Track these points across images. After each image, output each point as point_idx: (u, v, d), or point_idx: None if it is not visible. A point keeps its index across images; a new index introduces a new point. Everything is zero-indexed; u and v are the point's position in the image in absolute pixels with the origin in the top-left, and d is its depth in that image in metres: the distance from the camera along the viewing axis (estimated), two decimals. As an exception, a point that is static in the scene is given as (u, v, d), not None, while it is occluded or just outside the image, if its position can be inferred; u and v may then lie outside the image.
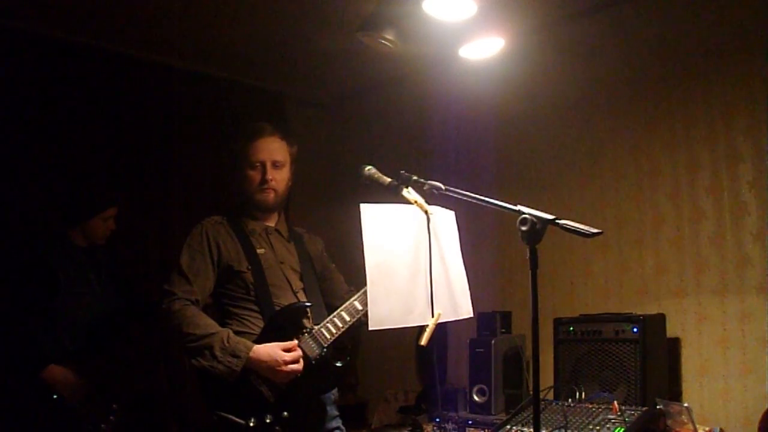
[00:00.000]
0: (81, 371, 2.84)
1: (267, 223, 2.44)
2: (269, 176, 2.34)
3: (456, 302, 1.81)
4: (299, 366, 2.16)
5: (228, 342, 2.12)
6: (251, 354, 2.12)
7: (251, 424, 2.11)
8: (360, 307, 2.23)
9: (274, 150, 2.37)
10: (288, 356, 2.14)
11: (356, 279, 1.71)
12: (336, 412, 2.42)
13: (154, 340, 3.68)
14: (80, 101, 3.66)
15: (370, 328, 1.66)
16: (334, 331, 2.26)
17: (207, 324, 2.17)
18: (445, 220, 1.85)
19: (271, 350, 2.14)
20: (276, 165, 2.36)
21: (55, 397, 2.77)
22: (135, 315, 3.26)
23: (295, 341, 2.19)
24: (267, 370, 2.14)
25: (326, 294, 2.50)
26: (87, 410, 2.85)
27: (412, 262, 1.71)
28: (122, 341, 3.15)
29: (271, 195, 2.37)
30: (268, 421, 2.13)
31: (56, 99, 3.58)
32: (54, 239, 3.02)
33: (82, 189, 3.14)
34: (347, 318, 2.26)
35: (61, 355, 2.83)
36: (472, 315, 1.87)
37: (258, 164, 2.35)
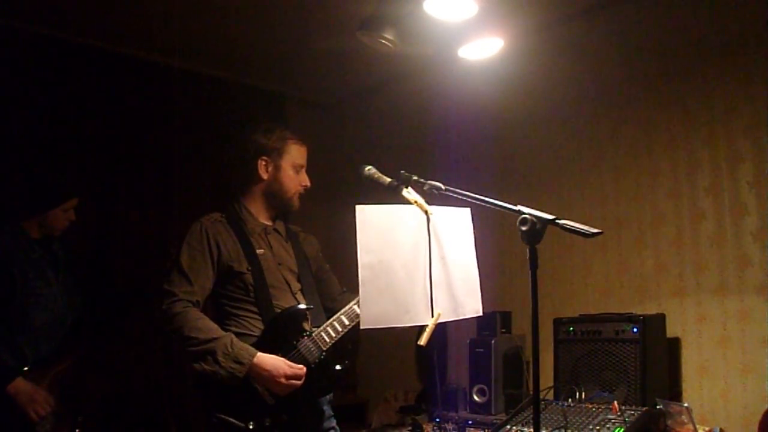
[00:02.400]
0: (43, 382, 2.63)
1: (266, 223, 2.43)
2: (308, 183, 2.45)
3: (458, 302, 1.81)
4: (299, 382, 2.16)
5: (231, 348, 2.11)
6: (254, 360, 2.12)
7: (250, 427, 2.11)
8: (359, 311, 2.23)
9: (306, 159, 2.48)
10: (290, 371, 2.14)
11: (355, 280, 1.72)
12: (331, 412, 2.43)
13: (131, 339, 3.58)
14: (81, 101, 3.67)
15: (362, 327, 1.67)
16: (333, 334, 2.26)
17: (209, 328, 2.15)
18: (453, 219, 1.85)
19: (275, 361, 2.14)
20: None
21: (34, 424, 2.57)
22: (102, 312, 3.09)
23: (304, 367, 2.19)
24: (266, 380, 2.13)
25: (320, 295, 2.50)
26: (51, 426, 2.64)
27: (409, 263, 1.72)
28: (87, 343, 2.93)
29: (299, 198, 2.46)
30: (267, 424, 2.13)
31: (56, 99, 3.58)
32: (7, 232, 2.75)
33: (43, 179, 2.93)
34: (347, 322, 2.27)
35: (21, 363, 2.61)
36: (480, 314, 1.87)
37: (300, 168, 2.43)
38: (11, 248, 2.71)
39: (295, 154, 2.41)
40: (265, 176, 2.38)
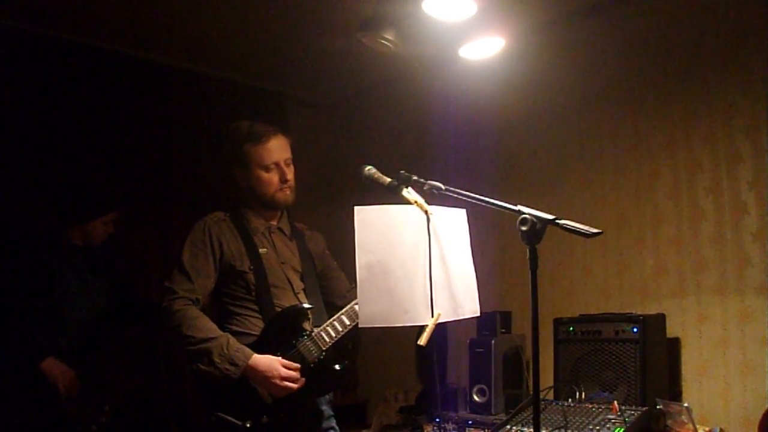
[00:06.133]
0: (75, 369, 2.85)
1: (270, 221, 2.43)
2: (288, 176, 2.34)
3: (457, 302, 1.81)
4: (295, 385, 2.15)
5: (227, 349, 2.11)
6: (249, 362, 2.12)
7: (248, 426, 2.11)
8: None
9: (283, 148, 2.35)
10: (285, 372, 2.14)
11: (355, 280, 1.72)
12: (331, 412, 2.42)
13: (151, 340, 3.67)
14: (80, 101, 3.66)
15: (360, 326, 1.67)
16: (333, 334, 2.26)
17: (207, 327, 2.15)
18: (450, 219, 1.85)
19: (270, 362, 2.14)
20: (287, 163, 2.36)
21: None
22: (132, 315, 3.27)
23: (299, 366, 2.18)
24: (261, 380, 2.13)
25: (328, 292, 2.50)
26: (79, 410, 2.83)
27: (408, 263, 1.71)
28: (116, 341, 3.14)
29: (289, 193, 2.36)
30: (264, 422, 2.13)
31: (56, 98, 3.58)
32: (52, 237, 3.02)
33: (86, 191, 3.19)
34: (347, 322, 2.27)
35: (56, 353, 2.83)
36: (478, 314, 1.87)
37: (273, 166, 2.31)
38: (54, 251, 2.96)
39: (258, 155, 2.29)
40: (242, 185, 2.37)
